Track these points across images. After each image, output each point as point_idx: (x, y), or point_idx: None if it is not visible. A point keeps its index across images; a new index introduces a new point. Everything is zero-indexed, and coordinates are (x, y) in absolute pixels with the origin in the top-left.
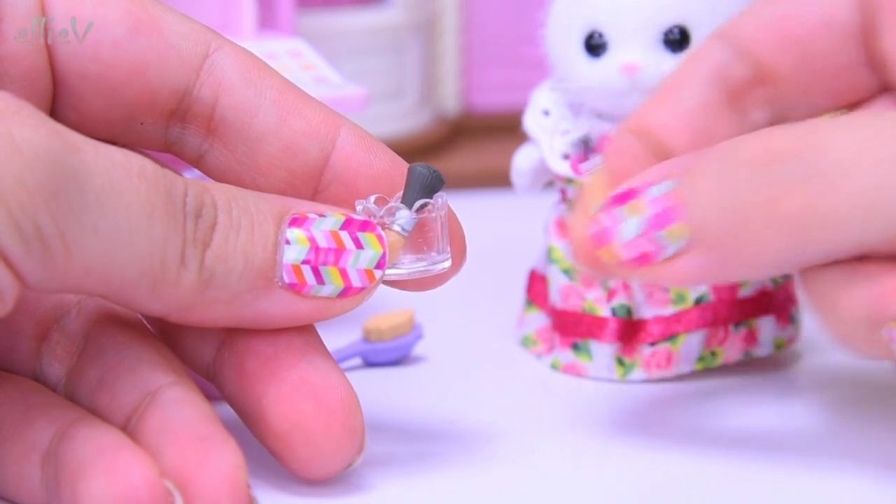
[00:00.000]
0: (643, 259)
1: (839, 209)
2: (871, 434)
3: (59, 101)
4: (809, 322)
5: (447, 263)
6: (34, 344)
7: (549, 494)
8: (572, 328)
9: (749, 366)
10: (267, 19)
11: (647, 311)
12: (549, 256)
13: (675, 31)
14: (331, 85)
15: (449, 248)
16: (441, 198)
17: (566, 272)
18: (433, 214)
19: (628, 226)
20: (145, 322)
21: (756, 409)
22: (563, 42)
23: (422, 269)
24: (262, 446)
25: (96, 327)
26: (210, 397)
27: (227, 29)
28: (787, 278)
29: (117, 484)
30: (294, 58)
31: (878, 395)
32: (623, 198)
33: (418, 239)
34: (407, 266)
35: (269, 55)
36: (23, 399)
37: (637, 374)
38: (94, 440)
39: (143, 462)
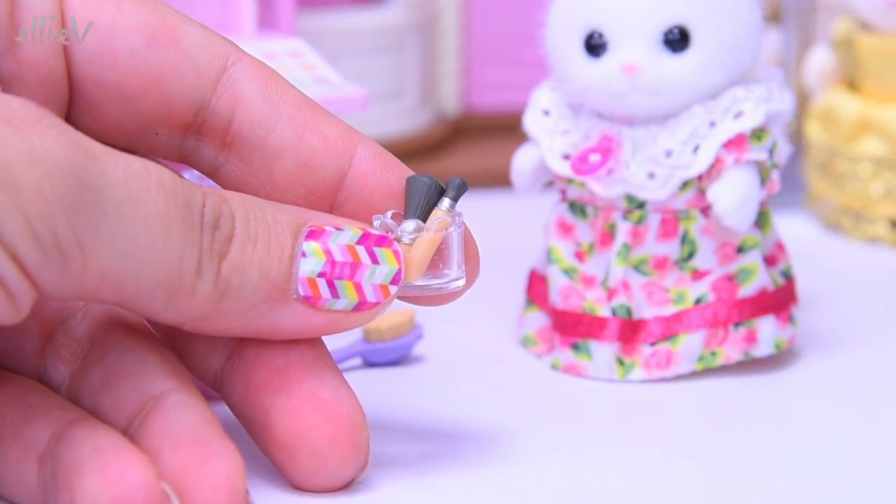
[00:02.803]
0: None
1: None
2: (872, 434)
3: (74, 107)
4: (809, 322)
5: (461, 282)
6: (39, 345)
7: (549, 495)
8: (572, 328)
9: (749, 366)
10: (267, 19)
11: (647, 311)
12: (549, 256)
13: (675, 31)
14: (331, 85)
15: (464, 266)
16: (458, 216)
17: (566, 272)
18: (449, 230)
19: None
20: (151, 328)
21: (756, 409)
22: (563, 42)
23: (436, 286)
24: (262, 452)
25: (101, 330)
26: (209, 398)
27: (227, 29)
28: (788, 278)
29: (114, 485)
30: (294, 58)
31: (878, 396)
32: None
33: (434, 256)
34: (421, 282)
35: (269, 55)
36: (23, 399)
37: (637, 374)
38: (92, 441)
39: (141, 464)
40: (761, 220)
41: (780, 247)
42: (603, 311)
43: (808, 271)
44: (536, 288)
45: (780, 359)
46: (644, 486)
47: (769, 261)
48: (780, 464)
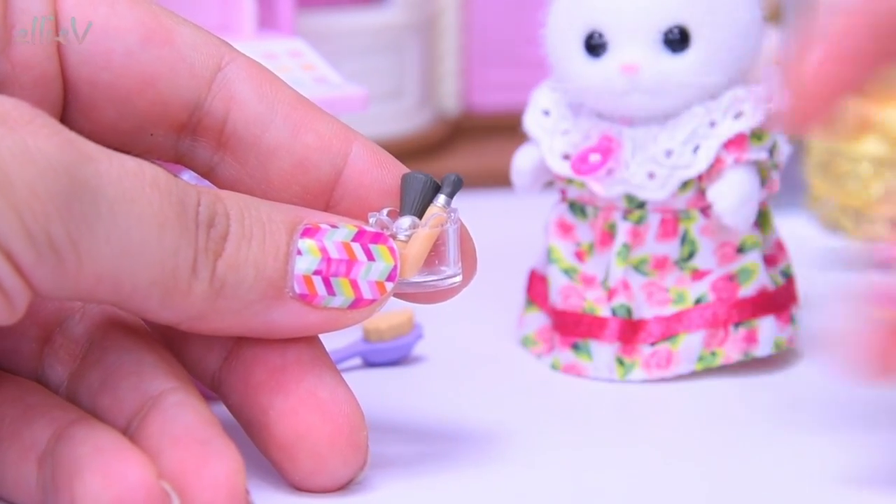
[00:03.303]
0: None
1: None
2: (872, 434)
3: (69, 108)
4: (809, 322)
5: (457, 279)
6: (37, 346)
7: (548, 495)
8: (572, 328)
9: (749, 366)
10: (267, 19)
11: (647, 312)
12: (549, 256)
13: (675, 31)
14: (331, 85)
15: (460, 263)
16: (454, 212)
17: (566, 272)
18: (445, 227)
19: None
20: (149, 328)
21: (756, 409)
22: (563, 42)
23: (432, 283)
24: (261, 452)
25: (100, 331)
26: (208, 399)
27: (227, 29)
28: (788, 278)
29: (114, 485)
30: (294, 58)
31: (877, 396)
32: None
33: (430, 253)
34: (417, 279)
35: (269, 55)
36: (22, 399)
37: (637, 373)
38: (91, 441)
39: (141, 463)
40: (761, 220)
41: (780, 247)
42: (603, 311)
43: (808, 271)
44: (536, 288)
45: (780, 359)
46: (644, 486)
47: (769, 261)
48: (780, 464)
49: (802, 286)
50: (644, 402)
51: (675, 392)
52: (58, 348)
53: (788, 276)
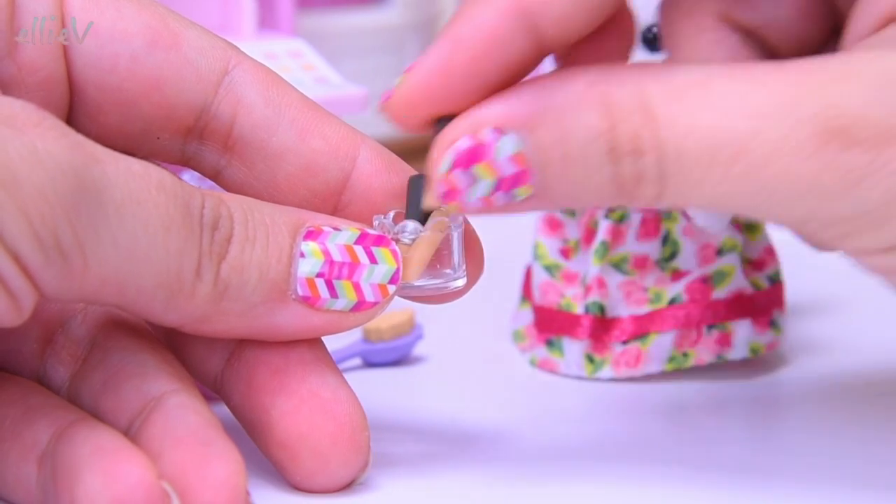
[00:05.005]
0: (487, 207)
1: (689, 203)
2: (869, 437)
3: (75, 111)
4: (803, 328)
5: (460, 282)
6: (38, 347)
7: (549, 495)
8: (548, 324)
9: (754, 369)
10: (267, 19)
11: (623, 310)
12: (535, 252)
13: (653, 29)
14: (331, 85)
15: (464, 266)
16: (458, 216)
17: (547, 269)
18: (449, 231)
19: (480, 186)
20: (151, 329)
21: (737, 415)
22: None
23: (436, 286)
24: (263, 453)
25: (102, 332)
26: (209, 400)
27: (226, 29)
28: (774, 283)
29: (115, 485)
30: (294, 58)
31: (881, 396)
32: (472, 156)
33: (434, 256)
34: (421, 282)
35: (269, 55)
36: (23, 399)
37: (606, 371)
38: (92, 441)
39: (142, 463)
40: (746, 224)
41: (769, 251)
42: (578, 308)
43: (804, 276)
44: (530, 284)
45: (762, 364)
46: (648, 487)
47: (757, 265)
48: (781, 466)
49: (798, 291)
50: (649, 402)
51: (678, 392)
52: (60, 349)
53: (775, 282)
